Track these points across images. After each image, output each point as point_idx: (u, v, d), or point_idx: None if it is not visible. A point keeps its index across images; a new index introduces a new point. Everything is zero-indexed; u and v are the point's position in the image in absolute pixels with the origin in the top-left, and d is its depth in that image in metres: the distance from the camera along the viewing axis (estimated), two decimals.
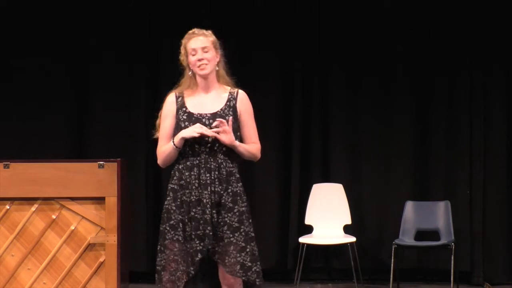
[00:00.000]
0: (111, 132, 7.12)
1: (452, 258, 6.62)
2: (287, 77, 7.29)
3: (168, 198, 4.09)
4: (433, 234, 6.94)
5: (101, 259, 4.50)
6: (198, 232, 4.01)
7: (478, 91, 7.14)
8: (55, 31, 7.20)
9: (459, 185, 7.14)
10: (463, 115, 7.15)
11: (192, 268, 4.01)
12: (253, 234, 4.09)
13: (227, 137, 4.02)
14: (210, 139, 4.04)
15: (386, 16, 7.20)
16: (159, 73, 7.05)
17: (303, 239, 6.86)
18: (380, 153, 7.24)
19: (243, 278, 4.04)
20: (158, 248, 4.07)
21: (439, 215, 6.95)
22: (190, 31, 4.16)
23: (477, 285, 7.07)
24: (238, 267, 4.02)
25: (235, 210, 4.06)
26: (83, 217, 4.51)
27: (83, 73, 7.27)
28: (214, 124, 4.01)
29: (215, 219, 4.02)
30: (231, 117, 4.06)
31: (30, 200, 4.52)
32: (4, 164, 4.51)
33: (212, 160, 4.06)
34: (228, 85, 4.20)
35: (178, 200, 4.05)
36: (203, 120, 4.06)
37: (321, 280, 7.26)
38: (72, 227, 4.51)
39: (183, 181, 4.06)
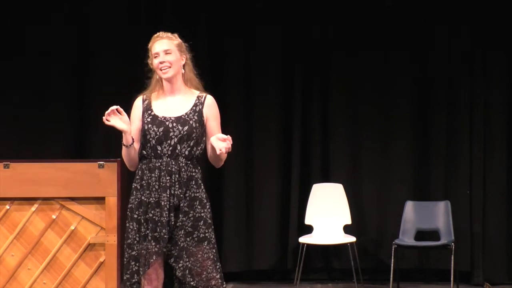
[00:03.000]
0: (111, 132, 7.10)
1: (452, 258, 6.62)
2: (288, 77, 7.29)
3: (132, 197, 4.12)
4: (433, 234, 6.95)
5: (101, 259, 4.50)
6: (155, 234, 4.03)
7: (478, 91, 7.15)
8: (55, 31, 7.20)
9: (459, 185, 7.14)
10: (463, 115, 7.15)
11: (145, 268, 4.03)
12: (212, 241, 4.08)
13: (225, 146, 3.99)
14: (172, 142, 4.06)
15: (387, 15, 7.20)
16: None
17: (303, 239, 6.87)
18: (380, 153, 7.24)
19: (192, 283, 4.03)
20: (124, 247, 4.12)
21: (439, 215, 6.95)
22: (155, 34, 4.18)
23: (477, 285, 7.08)
24: (187, 271, 4.03)
25: (190, 215, 4.05)
26: (83, 217, 4.51)
27: (83, 73, 7.27)
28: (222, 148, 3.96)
29: (172, 222, 4.03)
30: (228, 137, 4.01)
31: (30, 200, 4.51)
32: (4, 164, 4.50)
33: (173, 163, 4.06)
34: (197, 89, 4.19)
35: (139, 199, 4.08)
36: (167, 123, 4.08)
37: (321, 280, 7.26)
38: (72, 227, 4.50)
39: (144, 182, 4.09)
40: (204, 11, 7.26)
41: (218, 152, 3.98)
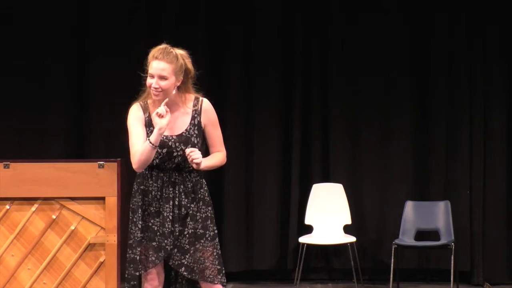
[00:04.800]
0: (111, 132, 7.12)
1: (452, 258, 6.62)
2: (288, 77, 7.29)
3: (133, 199, 4.13)
4: (433, 234, 6.94)
5: (101, 259, 4.49)
6: (153, 244, 4.04)
7: (478, 91, 7.15)
8: (56, 31, 7.20)
9: (459, 185, 7.14)
10: (463, 115, 7.15)
11: (140, 272, 4.07)
12: (217, 238, 4.10)
13: (198, 165, 3.97)
14: (176, 160, 4.03)
15: (386, 14, 7.20)
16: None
17: (303, 239, 6.86)
18: (380, 153, 7.24)
19: (215, 282, 4.05)
20: (127, 246, 4.13)
21: (439, 215, 6.95)
22: (159, 47, 4.04)
23: (477, 285, 7.08)
24: (208, 272, 4.04)
25: (198, 217, 4.06)
26: (83, 217, 4.50)
27: (83, 73, 7.27)
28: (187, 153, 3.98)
29: (177, 233, 4.03)
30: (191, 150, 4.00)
31: (30, 200, 4.51)
32: (4, 164, 4.50)
33: (177, 174, 4.06)
34: (192, 94, 4.12)
35: (139, 203, 4.09)
36: (169, 143, 4.03)
37: (321, 280, 7.26)
38: (72, 227, 4.50)
39: (143, 187, 4.09)
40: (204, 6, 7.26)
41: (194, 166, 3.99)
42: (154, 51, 4.04)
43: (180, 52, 4.07)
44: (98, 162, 4.50)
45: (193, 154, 3.95)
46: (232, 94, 7.23)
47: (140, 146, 4.00)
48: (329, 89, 7.28)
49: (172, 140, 4.05)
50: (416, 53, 7.20)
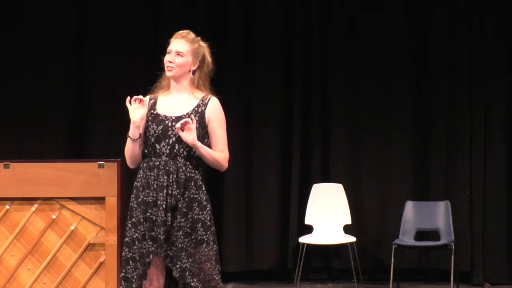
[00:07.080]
0: (111, 132, 7.12)
1: (452, 258, 6.62)
2: (288, 77, 7.29)
3: (132, 196, 4.10)
4: (433, 234, 6.95)
5: (101, 259, 4.50)
6: (152, 234, 4.00)
7: (478, 91, 7.15)
8: (56, 31, 7.20)
9: (459, 185, 7.14)
10: (463, 115, 7.15)
11: (143, 268, 4.01)
12: (211, 243, 4.05)
13: (188, 136, 3.99)
14: (170, 141, 4.04)
15: (385, 15, 7.21)
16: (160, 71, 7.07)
17: (303, 239, 6.86)
18: (380, 153, 7.24)
19: (192, 284, 4.01)
20: (123, 244, 4.11)
21: (439, 215, 6.95)
22: (180, 31, 4.16)
23: (477, 285, 7.07)
24: (187, 273, 4.01)
25: (189, 216, 4.03)
26: (83, 217, 4.51)
27: (84, 73, 7.27)
28: (177, 125, 3.98)
29: (169, 222, 4.01)
30: (193, 117, 4.03)
31: (30, 200, 4.52)
32: (4, 164, 4.51)
33: (171, 163, 4.04)
34: (205, 92, 4.18)
35: (139, 198, 4.06)
36: (167, 122, 4.05)
37: (321, 280, 7.26)
38: (72, 227, 4.51)
39: (144, 180, 4.07)
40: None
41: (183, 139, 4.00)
42: (175, 34, 4.16)
43: (202, 41, 4.20)
44: (98, 162, 4.52)
45: (188, 125, 3.99)
46: (232, 94, 7.22)
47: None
48: (329, 89, 7.28)
49: (170, 120, 4.06)
50: (416, 53, 7.20)
